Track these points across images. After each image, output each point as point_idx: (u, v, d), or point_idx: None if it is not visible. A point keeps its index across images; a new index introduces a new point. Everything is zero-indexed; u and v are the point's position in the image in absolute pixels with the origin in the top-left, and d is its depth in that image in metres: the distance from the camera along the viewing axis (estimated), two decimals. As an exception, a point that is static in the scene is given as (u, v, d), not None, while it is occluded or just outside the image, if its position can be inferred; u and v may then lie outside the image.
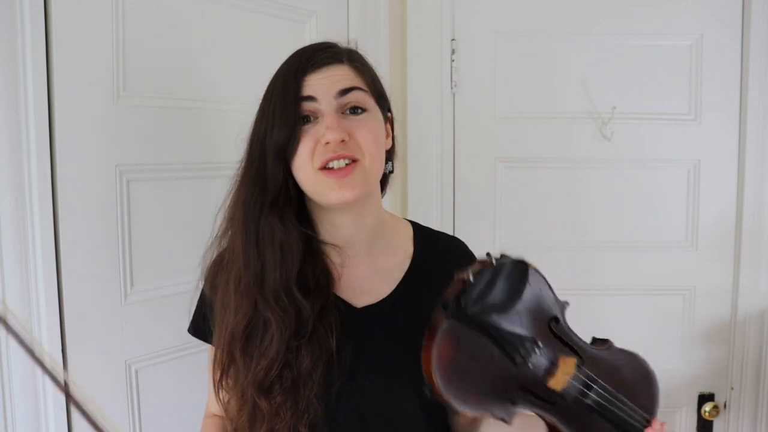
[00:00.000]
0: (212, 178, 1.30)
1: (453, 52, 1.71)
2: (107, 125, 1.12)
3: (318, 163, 0.84)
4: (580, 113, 1.69)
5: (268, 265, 0.86)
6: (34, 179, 1.01)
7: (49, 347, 1.04)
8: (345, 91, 0.85)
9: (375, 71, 0.94)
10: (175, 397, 1.25)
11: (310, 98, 0.85)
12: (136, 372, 1.19)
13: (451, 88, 1.72)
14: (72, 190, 1.07)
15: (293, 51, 0.91)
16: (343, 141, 0.83)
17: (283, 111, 0.84)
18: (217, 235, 0.93)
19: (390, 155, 0.97)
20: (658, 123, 1.68)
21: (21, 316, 1.02)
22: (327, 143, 0.83)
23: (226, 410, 0.93)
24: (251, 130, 0.89)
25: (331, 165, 0.84)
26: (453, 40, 1.71)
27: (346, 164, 0.84)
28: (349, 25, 1.58)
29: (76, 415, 1.09)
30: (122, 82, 1.13)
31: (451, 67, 1.71)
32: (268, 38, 1.39)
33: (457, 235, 1.10)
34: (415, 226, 1.03)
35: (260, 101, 0.90)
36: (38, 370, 1.04)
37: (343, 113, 0.86)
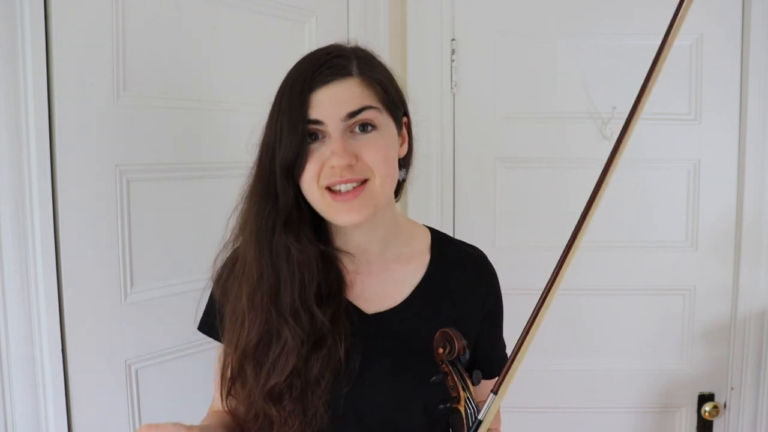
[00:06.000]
0: (213, 178, 1.30)
1: (453, 52, 1.71)
2: (107, 125, 1.12)
3: (324, 183, 0.83)
4: (580, 113, 1.69)
5: (283, 281, 0.85)
6: (34, 179, 1.01)
7: (49, 347, 1.04)
8: (353, 114, 0.82)
9: (389, 77, 0.90)
10: (175, 397, 1.25)
11: (317, 122, 0.82)
12: (136, 372, 1.19)
13: (451, 88, 1.72)
14: (72, 190, 1.07)
15: (294, 51, 0.90)
16: (350, 165, 0.82)
17: (289, 129, 0.82)
18: (229, 239, 0.92)
19: (406, 162, 0.94)
20: (658, 123, 1.68)
21: (21, 316, 1.02)
22: (333, 167, 0.82)
23: (234, 415, 0.92)
24: (261, 138, 0.87)
25: (337, 188, 0.83)
26: (453, 40, 1.71)
27: (354, 187, 0.83)
28: (349, 25, 1.58)
29: (76, 414, 1.09)
30: (122, 82, 1.13)
31: (451, 67, 1.71)
32: (268, 38, 1.39)
33: (456, 236, 1.09)
34: (434, 233, 1.01)
35: (270, 106, 0.87)
36: (38, 369, 1.04)
37: (351, 131, 0.83)
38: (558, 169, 1.72)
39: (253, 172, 0.88)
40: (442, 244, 1.00)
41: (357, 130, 0.83)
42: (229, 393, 0.89)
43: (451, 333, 0.82)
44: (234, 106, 1.33)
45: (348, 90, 0.83)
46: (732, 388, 1.73)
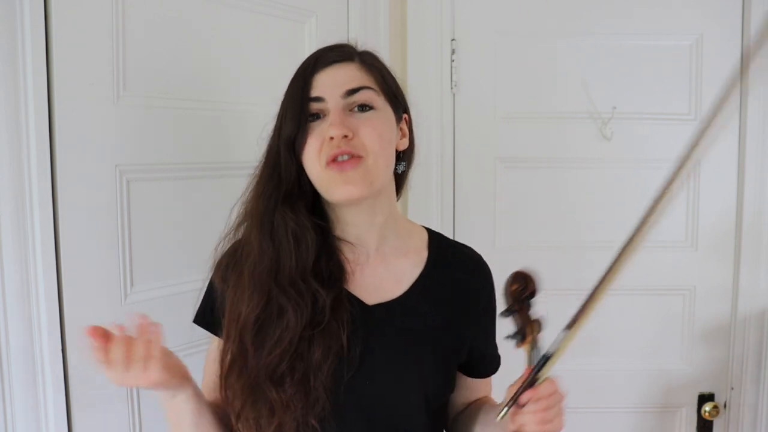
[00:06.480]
0: (212, 177, 1.30)
1: (453, 52, 1.71)
2: (107, 125, 1.12)
3: (324, 160, 0.86)
4: (580, 113, 1.69)
5: (283, 253, 0.88)
6: (34, 179, 1.01)
7: (49, 347, 1.04)
8: (352, 91, 0.87)
9: (389, 72, 0.95)
10: (175, 397, 1.24)
11: (318, 99, 0.87)
12: (136, 372, 1.19)
13: (451, 88, 1.72)
14: (72, 190, 1.07)
15: (294, 51, 0.91)
16: (346, 137, 0.85)
17: (293, 109, 0.87)
18: (231, 227, 0.94)
19: (406, 156, 0.98)
20: (658, 123, 1.68)
21: (21, 315, 1.02)
22: (331, 139, 0.85)
23: (231, 409, 0.91)
24: (271, 131, 0.92)
25: (337, 160, 0.86)
26: (453, 40, 1.71)
27: (350, 158, 0.85)
28: (349, 25, 1.58)
29: (76, 414, 1.09)
30: (122, 82, 1.13)
31: (451, 67, 1.71)
32: (268, 38, 1.39)
33: (456, 236, 1.10)
34: (431, 232, 1.04)
35: (273, 104, 0.92)
36: (38, 370, 1.04)
37: (350, 110, 0.88)
38: (558, 169, 1.72)
39: (261, 161, 0.92)
40: (439, 243, 1.02)
41: (356, 110, 0.88)
42: (227, 379, 0.89)
43: (527, 272, 0.86)
44: (234, 105, 1.33)
45: (349, 71, 0.89)
46: (732, 388, 1.73)
